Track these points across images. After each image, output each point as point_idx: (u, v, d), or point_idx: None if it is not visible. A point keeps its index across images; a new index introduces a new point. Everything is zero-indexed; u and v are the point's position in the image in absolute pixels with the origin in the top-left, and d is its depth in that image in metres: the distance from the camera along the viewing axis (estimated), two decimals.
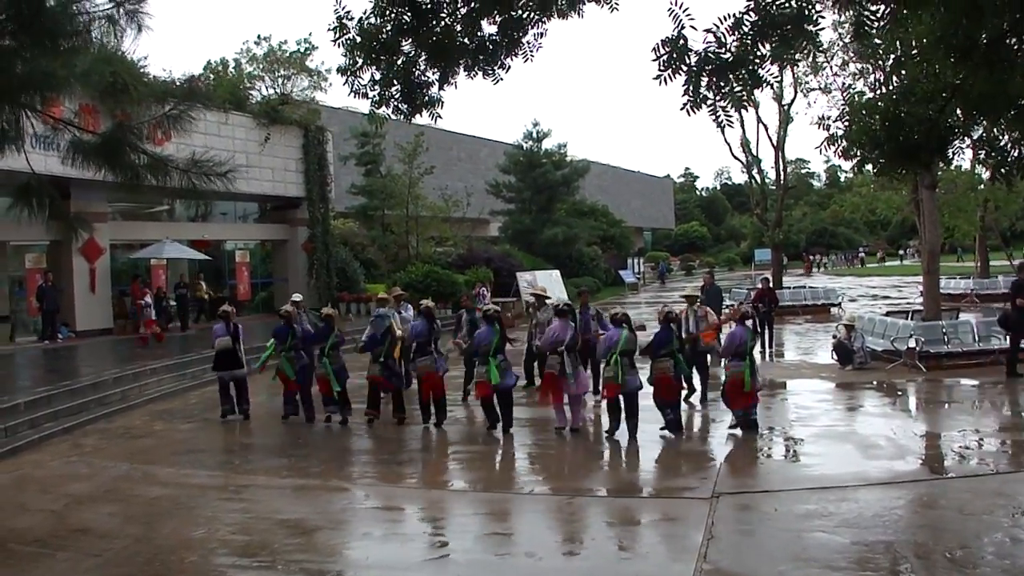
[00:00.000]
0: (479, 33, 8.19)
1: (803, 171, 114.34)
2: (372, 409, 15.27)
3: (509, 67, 8.37)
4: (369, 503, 11.37)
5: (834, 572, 8.07)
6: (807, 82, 37.61)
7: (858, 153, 8.79)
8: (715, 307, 19.52)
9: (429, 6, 8.00)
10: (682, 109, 7.21)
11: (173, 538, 9.62)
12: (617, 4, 8.18)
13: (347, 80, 8.31)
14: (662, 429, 13.79)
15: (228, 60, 38.55)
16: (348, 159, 42.82)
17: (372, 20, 8.04)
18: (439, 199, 43.38)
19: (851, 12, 7.33)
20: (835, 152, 9.09)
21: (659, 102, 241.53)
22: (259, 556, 8.96)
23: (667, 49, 7.01)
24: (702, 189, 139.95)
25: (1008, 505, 9.93)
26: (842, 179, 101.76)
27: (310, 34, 54.66)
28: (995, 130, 8.41)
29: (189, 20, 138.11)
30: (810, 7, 6.91)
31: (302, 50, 37.70)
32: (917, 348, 19.66)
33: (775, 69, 7.74)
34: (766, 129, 44.95)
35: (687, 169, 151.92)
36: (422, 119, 8.94)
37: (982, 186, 37.58)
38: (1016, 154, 8.15)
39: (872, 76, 28.40)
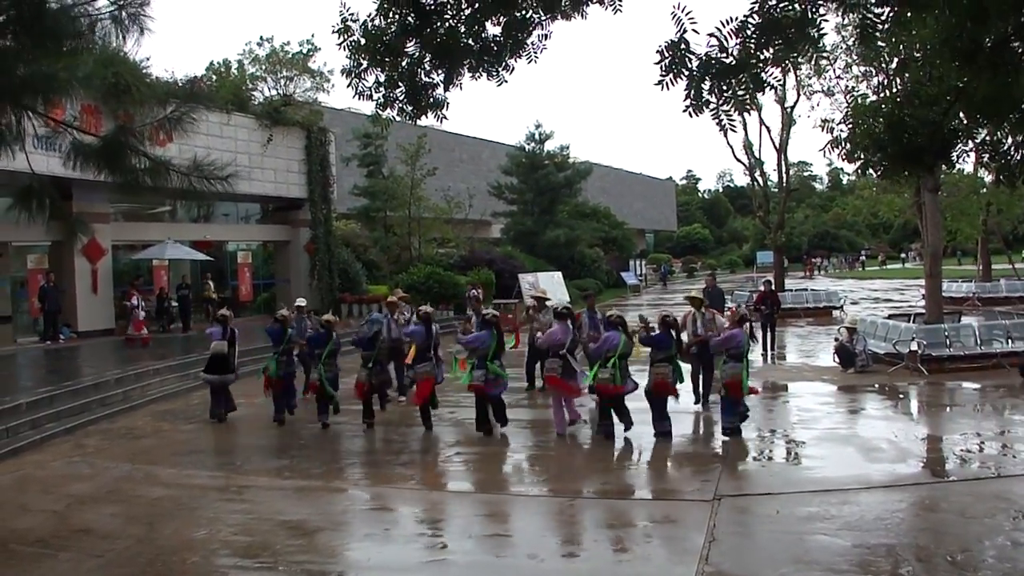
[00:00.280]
0: (483, 34, 8.19)
1: (805, 174, 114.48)
2: (368, 417, 15.27)
3: (513, 68, 8.40)
4: (370, 504, 11.36)
5: (835, 575, 8.07)
6: (810, 85, 37.58)
7: (861, 156, 8.79)
8: (717, 309, 19.50)
9: (433, 7, 8.01)
10: (684, 112, 7.21)
11: (175, 539, 9.62)
12: (620, 5, 8.18)
13: (351, 82, 8.33)
14: (655, 436, 13.80)
15: (231, 61, 38.61)
16: (350, 160, 42.83)
17: (376, 21, 8.05)
18: (441, 200, 43.37)
19: (855, 15, 7.31)
20: (839, 155, 9.11)
21: (662, 104, 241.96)
22: (261, 557, 8.96)
23: (670, 53, 7.01)
24: (704, 191, 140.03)
25: (1009, 508, 9.91)
26: (844, 182, 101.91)
27: (313, 35, 55.05)
28: (998, 133, 8.41)
29: (192, 21, 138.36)
30: (813, 10, 6.90)
31: (305, 51, 37.72)
32: (919, 351, 19.66)
33: (778, 72, 7.73)
34: (769, 131, 44.91)
35: (689, 171, 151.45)
36: (427, 120, 8.96)
37: (984, 189, 37.58)
38: (1019, 157, 8.16)
39: (875, 79, 28.36)
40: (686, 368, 15.37)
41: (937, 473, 11.84)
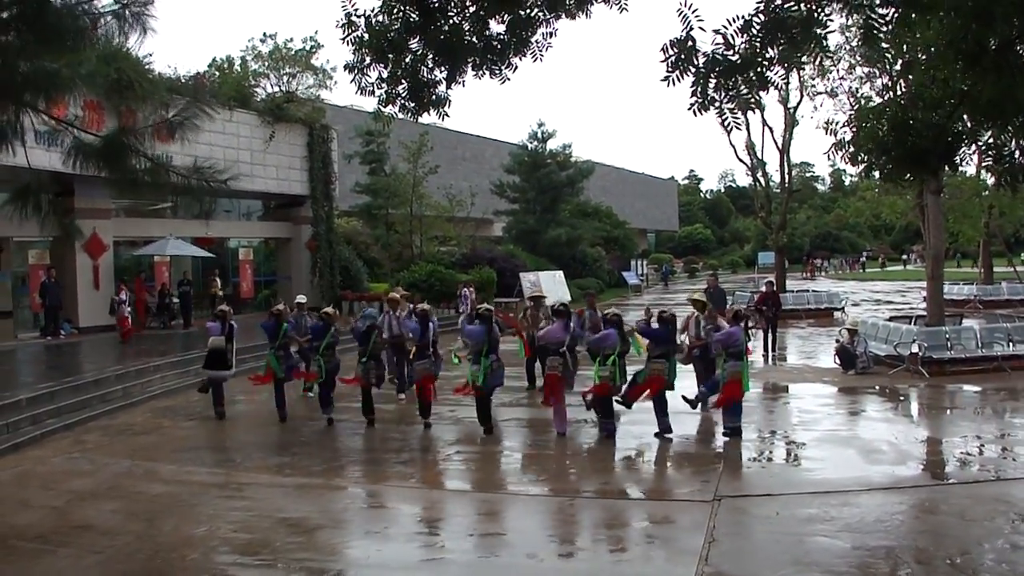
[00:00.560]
0: (487, 32, 8.19)
1: (808, 175, 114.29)
2: (368, 413, 15.28)
3: (517, 67, 8.39)
4: (370, 502, 11.40)
5: None
6: (813, 85, 37.55)
7: (865, 158, 8.77)
8: (719, 310, 19.46)
9: (437, 4, 8.01)
10: (689, 110, 7.22)
11: (174, 535, 9.62)
12: (626, 5, 8.18)
13: (355, 78, 8.33)
14: (656, 435, 13.81)
15: (234, 58, 38.56)
16: (352, 157, 42.81)
17: (380, 18, 8.04)
18: (443, 198, 43.37)
19: (859, 16, 7.31)
20: (842, 157, 9.08)
21: (664, 104, 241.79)
22: (260, 554, 8.98)
23: (676, 50, 7.02)
24: (706, 191, 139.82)
25: (1009, 511, 9.93)
26: (847, 183, 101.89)
27: (316, 32, 54.89)
28: (1002, 136, 8.39)
29: (195, 17, 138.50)
30: (819, 10, 6.90)
31: (308, 48, 37.68)
32: (920, 353, 19.65)
33: (783, 71, 7.71)
34: (771, 132, 44.92)
35: (691, 171, 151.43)
36: (429, 118, 8.95)
37: (986, 192, 37.54)
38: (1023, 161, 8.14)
39: (879, 81, 28.38)
40: (684, 369, 15.45)
41: (937, 476, 11.85)
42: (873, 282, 63.87)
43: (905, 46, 9.92)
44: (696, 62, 7.04)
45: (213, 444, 14.74)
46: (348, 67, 8.35)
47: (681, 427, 14.30)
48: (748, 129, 45.28)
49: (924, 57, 9.13)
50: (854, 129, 9.07)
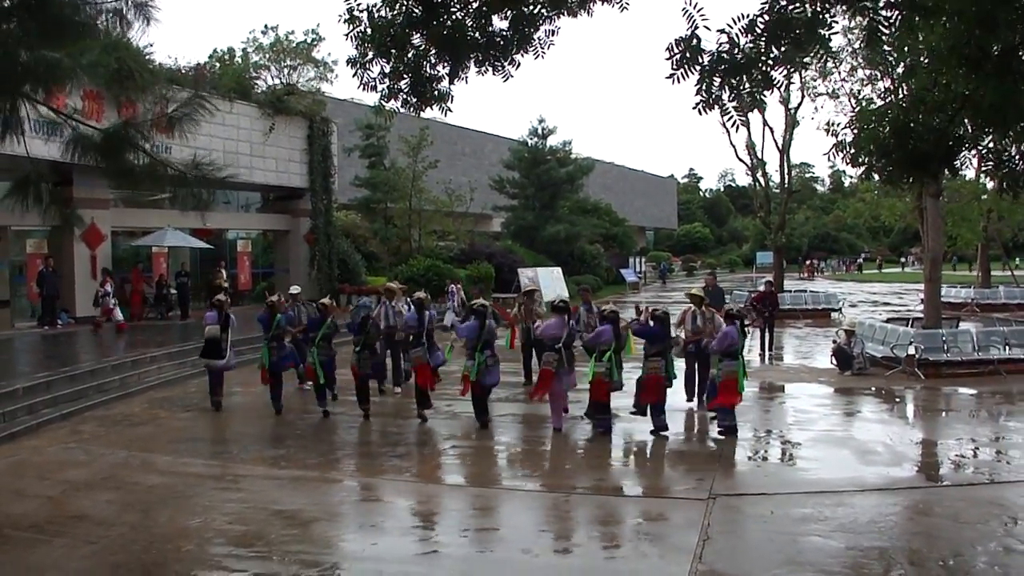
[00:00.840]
0: (490, 28, 8.19)
1: (807, 175, 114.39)
2: (364, 403, 15.31)
3: (519, 64, 8.38)
4: (366, 495, 11.42)
5: None
6: (815, 87, 37.56)
7: (866, 160, 8.78)
8: (717, 308, 19.47)
9: (440, 0, 7.99)
10: (694, 108, 7.23)
11: (170, 526, 9.63)
12: (627, 3, 8.19)
13: (357, 72, 8.31)
14: (652, 433, 13.83)
15: (235, 49, 38.56)
16: (352, 151, 42.80)
17: (383, 13, 8.03)
18: (442, 193, 43.36)
19: (863, 18, 7.32)
20: (843, 158, 9.08)
21: (665, 102, 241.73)
22: (255, 546, 8.98)
23: (680, 48, 7.03)
24: (706, 190, 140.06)
25: (1002, 514, 9.95)
26: (846, 184, 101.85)
27: (317, 25, 55.01)
28: (1004, 141, 8.40)
29: (196, 8, 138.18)
30: (824, 11, 6.91)
31: (309, 41, 37.71)
32: (916, 355, 19.67)
33: (787, 71, 7.72)
34: (772, 132, 44.91)
35: (691, 170, 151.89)
36: (430, 113, 8.95)
37: (985, 196, 37.57)
38: None
39: (881, 83, 28.36)
40: (680, 365, 15.48)
41: (931, 477, 11.88)
42: (871, 283, 63.93)
43: (908, 49, 9.90)
44: (701, 61, 7.05)
45: (209, 435, 14.74)
46: (350, 62, 8.34)
47: (676, 425, 14.36)
48: (748, 129, 45.29)
49: (926, 61, 9.12)
50: (855, 131, 9.07)
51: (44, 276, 25.72)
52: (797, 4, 6.87)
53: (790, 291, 41.45)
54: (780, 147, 44.02)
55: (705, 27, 7.05)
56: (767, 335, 23.88)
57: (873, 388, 18.60)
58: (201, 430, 14.99)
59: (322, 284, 34.37)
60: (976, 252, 46.94)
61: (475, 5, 8.11)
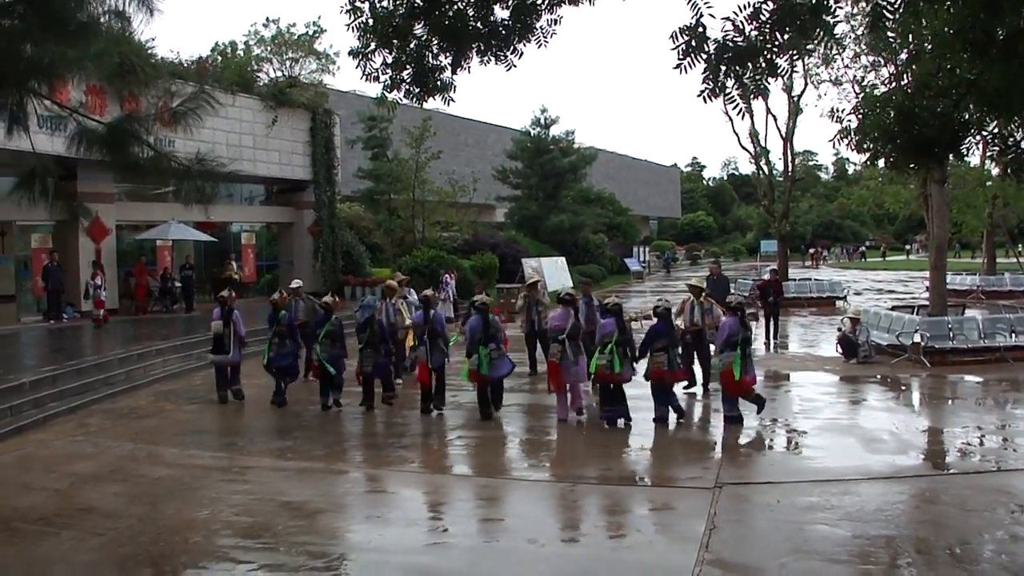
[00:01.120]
0: (491, 18, 8.16)
1: (811, 163, 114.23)
2: (366, 401, 15.38)
3: (522, 53, 8.34)
4: (372, 487, 11.44)
5: (835, 565, 8.10)
6: (818, 74, 37.47)
7: (871, 146, 8.76)
8: (722, 297, 19.47)
9: None
10: (700, 96, 7.20)
11: (177, 518, 9.65)
12: None
13: (359, 63, 8.30)
14: (654, 420, 13.86)
15: (236, 42, 38.45)
16: (355, 143, 42.67)
17: (385, 3, 8.01)
18: (446, 184, 43.24)
19: (866, 3, 7.30)
20: (848, 145, 9.07)
21: (668, 91, 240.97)
22: (262, 538, 9.00)
23: (686, 37, 7.00)
24: (709, 179, 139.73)
25: (1009, 502, 9.93)
26: (850, 172, 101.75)
27: (319, 17, 54.80)
28: (1009, 126, 8.38)
29: (198, 1, 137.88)
30: None
31: (311, 33, 37.56)
32: (922, 343, 19.62)
33: (792, 58, 7.70)
34: (775, 120, 44.91)
35: (694, 158, 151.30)
36: (433, 103, 8.93)
37: (990, 182, 37.48)
38: None
39: (884, 69, 28.28)
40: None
41: (938, 465, 11.85)
42: (875, 271, 63.82)
43: (912, 35, 9.87)
44: (707, 49, 7.03)
45: (215, 428, 14.77)
46: (353, 53, 8.32)
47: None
48: (752, 117, 45.18)
49: (931, 46, 9.09)
50: (860, 117, 9.05)
51: (49, 271, 25.78)
52: None
53: (795, 279, 41.43)
54: (783, 135, 44.02)
55: (710, 15, 7.03)
56: (772, 324, 23.82)
57: (879, 376, 18.55)
58: (207, 422, 15.01)
59: (326, 276, 34.38)
60: (981, 239, 46.84)
61: None
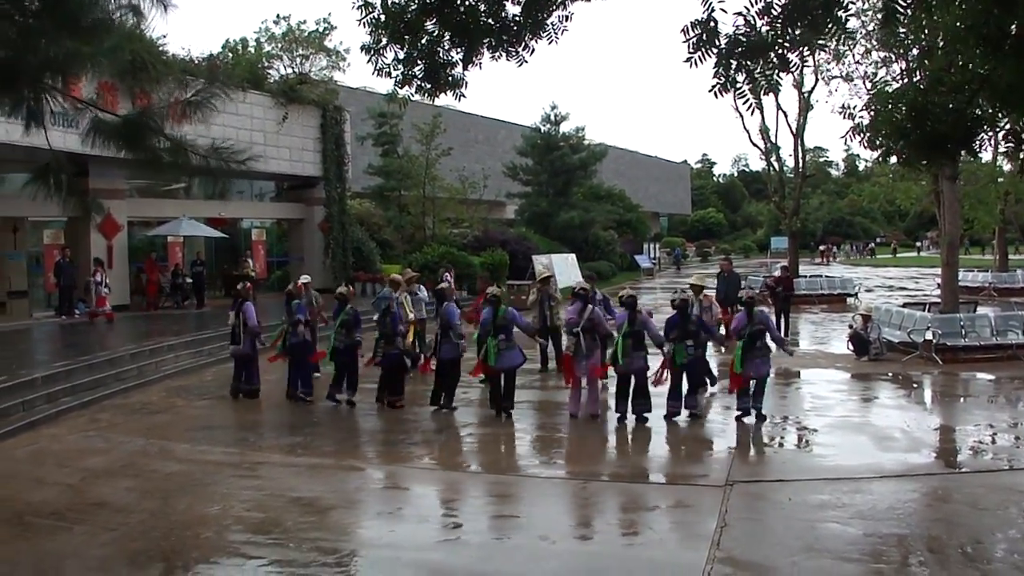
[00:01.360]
0: (503, 14, 8.15)
1: (821, 159, 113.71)
2: (380, 394, 15.36)
3: (533, 49, 8.33)
4: (383, 483, 11.46)
5: (847, 564, 8.07)
6: (828, 70, 37.35)
7: (883, 143, 8.72)
8: (733, 294, 19.44)
9: None
10: (711, 91, 7.20)
11: (188, 514, 9.67)
12: None
13: (371, 59, 8.28)
14: (664, 417, 13.89)
15: (247, 39, 38.54)
16: (365, 139, 42.77)
17: None
18: (456, 180, 43.29)
19: None
20: (860, 142, 9.03)
21: (678, 87, 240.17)
22: (273, 533, 9.01)
23: (697, 31, 6.99)
24: (719, 175, 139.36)
25: (1021, 500, 9.92)
26: (860, 168, 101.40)
27: (329, 14, 54.68)
28: (1021, 122, 8.33)
29: None
30: None
31: (321, 30, 37.66)
32: (934, 340, 19.54)
33: (803, 53, 7.68)
34: (786, 116, 44.82)
35: (704, 155, 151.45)
36: (444, 99, 8.94)
37: (1002, 178, 37.33)
38: None
39: (896, 65, 28.15)
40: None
41: (950, 464, 11.82)
42: (886, 268, 63.60)
43: (924, 30, 9.81)
44: (718, 44, 7.01)
45: (226, 423, 14.76)
46: (364, 48, 8.31)
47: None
48: (762, 113, 45.10)
49: (943, 41, 9.04)
50: (872, 113, 9.01)
51: (61, 267, 25.78)
52: None
53: (805, 276, 41.33)
54: (794, 131, 43.95)
55: (722, 9, 7.03)
56: (783, 320, 23.74)
57: (890, 374, 18.50)
58: (218, 418, 15.03)
59: (337, 272, 34.39)
60: (992, 235, 46.67)
61: None
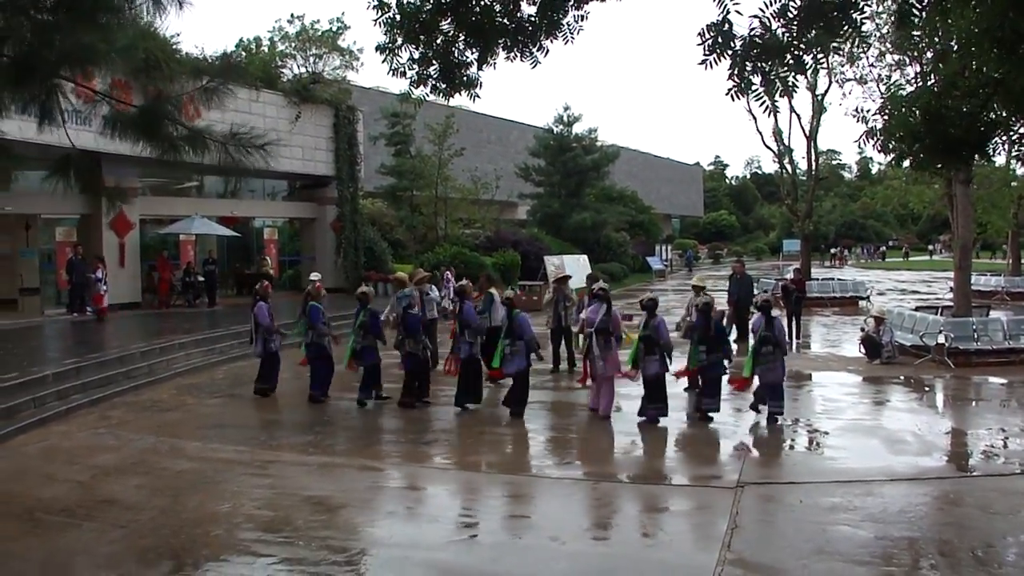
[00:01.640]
0: (518, 14, 8.15)
1: (834, 162, 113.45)
2: (407, 395, 15.31)
3: (548, 50, 8.34)
4: (394, 482, 11.44)
5: (858, 567, 8.04)
6: (842, 72, 37.16)
7: (896, 147, 8.69)
8: (746, 297, 19.36)
9: None
10: (727, 94, 7.18)
11: (199, 511, 9.68)
12: None
13: (386, 58, 8.30)
14: (697, 411, 14.12)
15: (261, 38, 38.63)
16: (378, 139, 42.80)
17: None
18: (468, 181, 43.29)
19: (893, 1, 7.26)
20: (873, 145, 8.99)
21: (691, 89, 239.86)
22: (283, 532, 9.01)
23: (712, 34, 6.98)
24: (732, 178, 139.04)
25: None
26: (874, 171, 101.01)
27: (343, 13, 54.84)
28: None
29: None
30: None
31: (334, 29, 37.73)
32: (946, 344, 19.45)
33: (819, 55, 7.67)
34: (799, 119, 44.57)
35: (717, 157, 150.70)
36: (459, 99, 8.94)
37: (1015, 182, 37.15)
38: None
39: (910, 68, 28.03)
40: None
41: (962, 468, 11.77)
42: (898, 271, 63.37)
43: (938, 33, 9.79)
44: (733, 46, 7.00)
45: (237, 421, 14.73)
46: (379, 48, 8.32)
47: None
48: (776, 115, 44.92)
49: (958, 45, 9.00)
50: (886, 117, 8.98)
51: (73, 264, 25.86)
52: None
53: (817, 279, 41.15)
54: (807, 134, 43.76)
55: (737, 12, 7.02)
56: (794, 323, 23.68)
57: (902, 377, 18.43)
58: (229, 416, 15.03)
59: (348, 272, 34.45)
60: (1005, 239, 46.46)
61: None
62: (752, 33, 7.03)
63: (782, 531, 9.17)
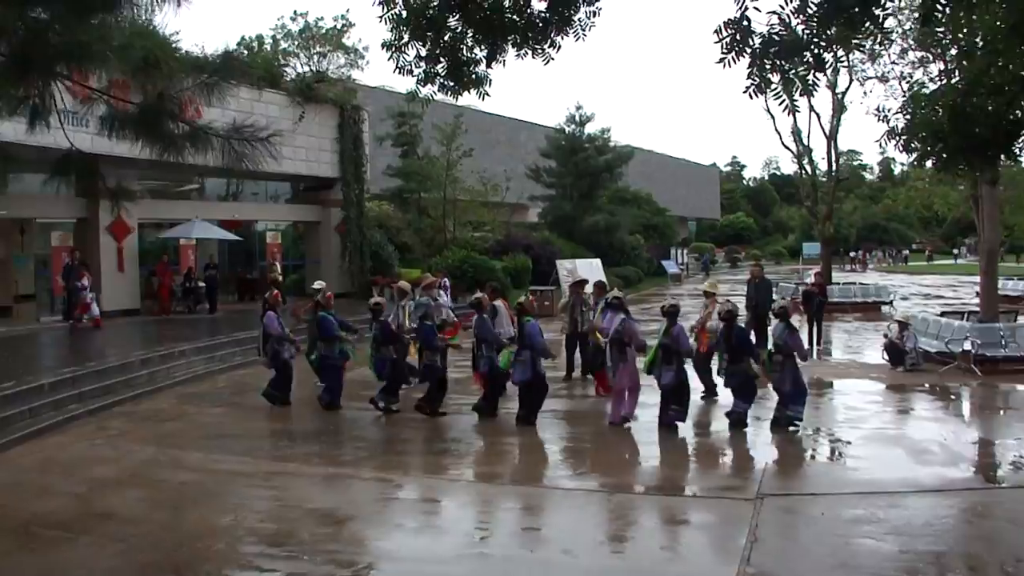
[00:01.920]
0: (528, 10, 8.02)
1: (855, 163, 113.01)
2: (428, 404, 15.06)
3: (559, 47, 8.19)
4: (401, 494, 11.24)
5: None
6: (863, 70, 36.79)
7: (919, 147, 8.54)
8: (764, 301, 19.10)
9: None
10: (745, 92, 7.03)
11: (200, 525, 9.54)
12: None
13: (392, 56, 8.19)
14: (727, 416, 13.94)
15: (263, 36, 38.52)
16: (384, 140, 42.56)
17: None
18: (477, 183, 43.04)
19: None
20: (895, 145, 8.85)
21: (707, 87, 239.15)
22: (287, 545, 8.88)
23: (730, 31, 6.79)
24: (749, 179, 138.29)
25: None
26: (896, 172, 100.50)
27: (347, 11, 55.01)
28: None
29: None
30: None
31: (339, 27, 37.61)
32: (972, 351, 19.11)
33: (840, 53, 7.49)
34: (818, 118, 43.95)
35: (734, 158, 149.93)
36: (465, 100, 8.80)
37: None
38: None
39: (933, 65, 27.69)
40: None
41: (989, 479, 11.56)
42: (922, 276, 63.10)
43: (963, 30, 9.58)
44: (752, 43, 6.80)
45: (240, 432, 14.50)
46: (385, 45, 8.19)
47: (721, 421, 14.12)
48: (796, 115, 44.61)
49: (983, 42, 8.80)
50: (908, 116, 8.82)
51: (69, 269, 25.41)
52: None
53: (839, 283, 40.84)
54: (827, 133, 43.40)
55: (755, 8, 6.85)
56: (815, 329, 23.36)
57: (927, 385, 18.15)
58: (231, 426, 14.82)
59: (354, 276, 34.26)
60: None
61: None
62: (771, 30, 6.87)
63: (803, 544, 9.00)
